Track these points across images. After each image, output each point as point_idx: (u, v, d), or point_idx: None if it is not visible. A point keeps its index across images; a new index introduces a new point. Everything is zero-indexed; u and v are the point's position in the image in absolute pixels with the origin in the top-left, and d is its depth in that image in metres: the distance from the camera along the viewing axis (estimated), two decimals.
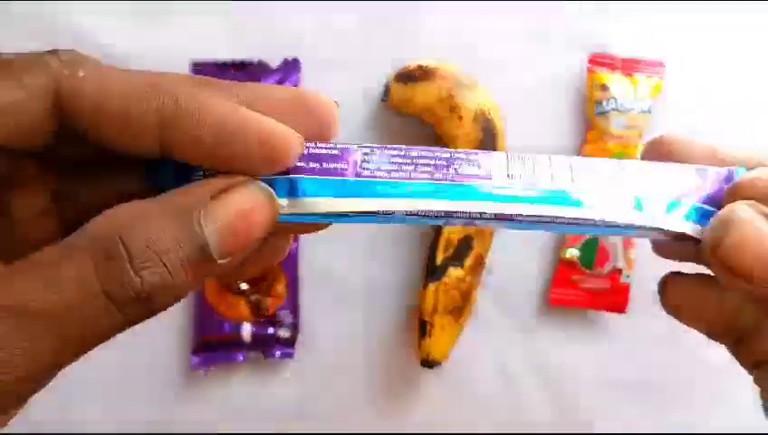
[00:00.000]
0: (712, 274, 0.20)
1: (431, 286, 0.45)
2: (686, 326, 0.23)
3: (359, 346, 0.49)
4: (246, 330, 0.47)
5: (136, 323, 0.17)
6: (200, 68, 0.46)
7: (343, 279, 0.49)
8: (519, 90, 0.48)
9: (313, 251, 0.48)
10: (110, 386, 0.48)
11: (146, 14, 0.46)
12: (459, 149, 0.21)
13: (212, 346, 0.47)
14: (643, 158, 0.23)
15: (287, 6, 0.48)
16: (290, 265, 0.48)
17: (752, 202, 0.18)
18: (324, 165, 0.20)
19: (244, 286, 0.47)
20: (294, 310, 0.48)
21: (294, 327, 0.48)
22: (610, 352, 0.50)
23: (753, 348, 0.21)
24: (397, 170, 0.20)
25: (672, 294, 0.22)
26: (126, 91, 0.17)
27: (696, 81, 0.49)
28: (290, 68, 0.47)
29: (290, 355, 0.48)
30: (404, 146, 0.21)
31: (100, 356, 0.49)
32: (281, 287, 0.48)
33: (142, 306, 0.16)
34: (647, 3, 0.49)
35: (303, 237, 0.48)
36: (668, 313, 0.22)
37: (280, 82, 0.47)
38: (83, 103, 0.17)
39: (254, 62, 0.47)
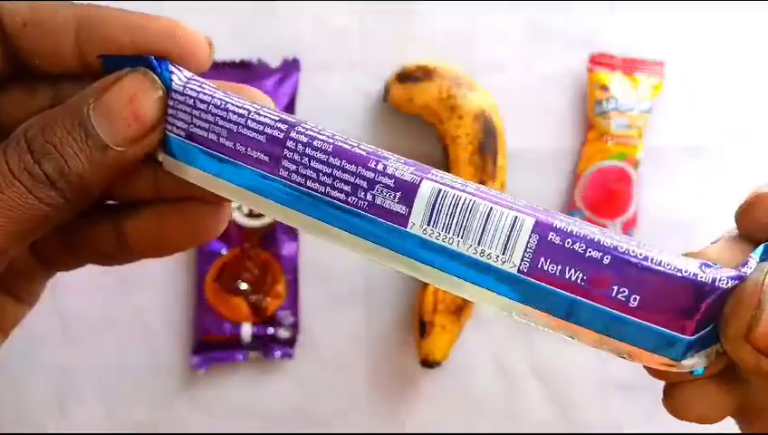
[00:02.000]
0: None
1: (431, 286, 0.45)
2: None
3: (359, 346, 0.49)
4: (246, 330, 0.47)
5: (57, 207, 0.19)
6: None
7: (343, 279, 0.49)
8: (519, 90, 0.48)
9: (313, 251, 0.48)
10: (110, 386, 0.48)
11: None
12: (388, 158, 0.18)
13: (212, 346, 0.47)
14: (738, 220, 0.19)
15: (287, 6, 0.48)
16: (290, 266, 0.48)
17: None
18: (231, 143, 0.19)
19: (244, 286, 0.47)
20: (294, 310, 0.48)
21: (294, 327, 0.48)
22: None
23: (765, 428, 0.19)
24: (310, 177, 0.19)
25: (680, 400, 0.19)
26: (49, 5, 0.20)
27: (695, 81, 0.49)
28: (290, 68, 0.47)
29: (290, 355, 0.48)
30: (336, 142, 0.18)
31: (100, 356, 0.50)
32: (281, 287, 0.48)
33: (50, 190, 0.19)
34: (647, 2, 0.49)
35: (304, 238, 0.48)
36: (678, 418, 0.20)
37: (280, 82, 0.47)
38: (13, 21, 0.19)
39: (254, 62, 0.47)
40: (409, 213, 0.17)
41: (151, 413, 0.48)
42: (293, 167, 0.19)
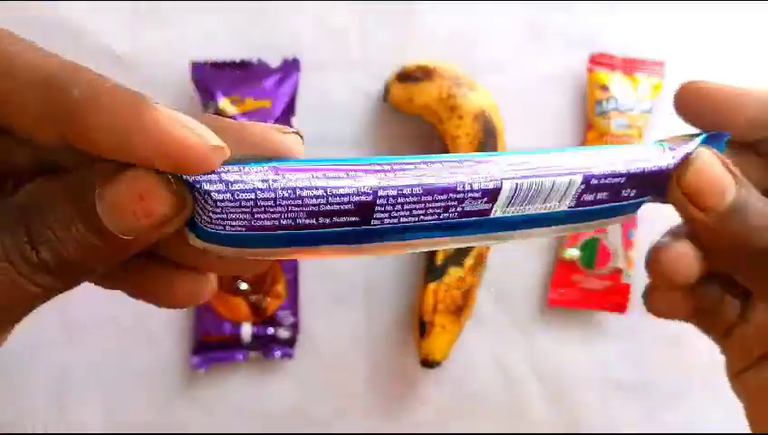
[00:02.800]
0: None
1: (431, 286, 0.45)
2: (683, 326, 0.27)
3: (359, 346, 0.49)
4: (246, 330, 0.47)
5: (58, 291, 0.18)
6: (200, 68, 0.46)
7: (343, 279, 0.49)
8: (519, 90, 0.48)
9: None
10: (110, 386, 0.48)
11: (146, 14, 0.46)
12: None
13: (212, 346, 0.47)
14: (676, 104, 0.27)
15: (287, 6, 0.48)
16: (290, 266, 0.48)
17: (707, 147, 0.23)
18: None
19: (244, 286, 0.47)
20: (294, 310, 0.48)
21: (294, 327, 0.48)
22: (610, 352, 0.50)
23: (718, 321, 0.26)
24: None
25: (658, 305, 0.26)
26: (28, 79, 0.17)
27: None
28: (290, 68, 0.47)
29: (290, 355, 0.48)
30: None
31: (100, 356, 0.50)
32: (281, 287, 0.48)
33: (51, 277, 0.18)
34: (647, 2, 0.49)
35: None
36: (653, 315, 0.26)
37: (280, 82, 0.47)
38: None
39: (254, 63, 0.47)
40: (493, 206, 0.20)
41: (151, 413, 0.48)
42: (385, 216, 0.19)
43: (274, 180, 0.18)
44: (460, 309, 0.46)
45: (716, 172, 0.22)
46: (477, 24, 0.48)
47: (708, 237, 0.23)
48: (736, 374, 0.25)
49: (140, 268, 0.22)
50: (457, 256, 0.45)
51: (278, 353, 0.47)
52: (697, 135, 0.24)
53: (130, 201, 0.17)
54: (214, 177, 0.18)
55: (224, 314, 0.47)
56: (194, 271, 0.21)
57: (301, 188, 0.18)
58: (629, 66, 0.48)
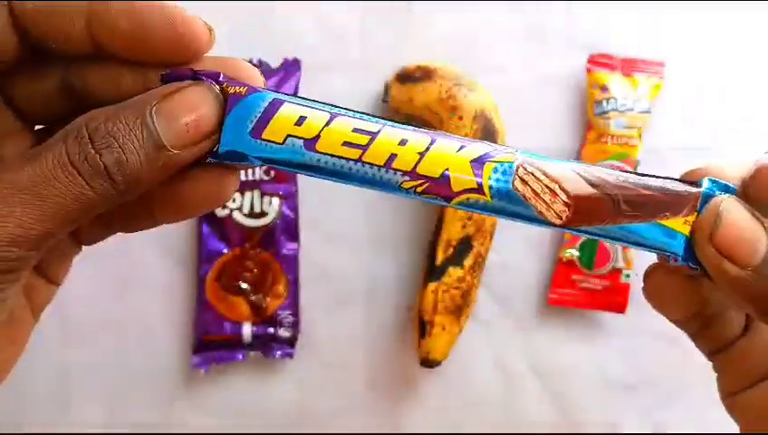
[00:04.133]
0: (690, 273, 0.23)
1: (431, 286, 0.45)
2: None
3: (359, 346, 0.49)
4: (246, 330, 0.47)
5: (108, 198, 0.20)
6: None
7: (343, 279, 0.49)
8: (519, 90, 0.48)
9: (313, 251, 0.48)
10: (111, 386, 0.48)
11: None
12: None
13: (212, 346, 0.47)
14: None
15: (287, 6, 0.48)
16: (290, 265, 0.48)
17: (732, 197, 0.21)
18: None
19: (244, 286, 0.47)
20: (294, 310, 0.48)
21: (294, 327, 0.48)
22: (610, 352, 0.50)
23: (713, 336, 0.25)
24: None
25: (654, 284, 0.25)
26: None
27: (695, 81, 0.50)
28: (290, 68, 0.47)
29: (290, 355, 0.48)
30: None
31: (100, 356, 0.50)
32: (281, 287, 0.48)
33: (105, 181, 0.19)
34: (647, 2, 0.49)
35: (304, 237, 0.48)
36: (648, 301, 0.25)
37: (280, 82, 0.47)
38: (27, 8, 0.20)
39: (254, 63, 0.47)
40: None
41: (151, 413, 0.48)
42: None
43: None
44: (460, 309, 0.46)
45: (749, 225, 0.21)
46: (477, 24, 0.48)
47: (741, 291, 0.21)
48: (731, 394, 0.25)
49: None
50: (457, 256, 0.45)
51: (278, 353, 0.47)
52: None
53: (183, 112, 0.20)
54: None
55: (224, 314, 0.47)
56: (217, 171, 0.23)
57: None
58: (629, 66, 0.48)
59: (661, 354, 0.50)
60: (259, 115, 0.21)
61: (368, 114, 0.21)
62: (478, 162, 0.21)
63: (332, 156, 0.21)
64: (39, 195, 0.19)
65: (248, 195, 0.47)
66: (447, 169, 0.21)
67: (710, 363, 0.27)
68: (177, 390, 0.48)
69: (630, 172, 0.22)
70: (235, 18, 0.47)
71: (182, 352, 0.48)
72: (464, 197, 0.21)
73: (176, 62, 0.21)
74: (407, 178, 0.21)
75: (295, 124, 0.21)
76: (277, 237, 0.47)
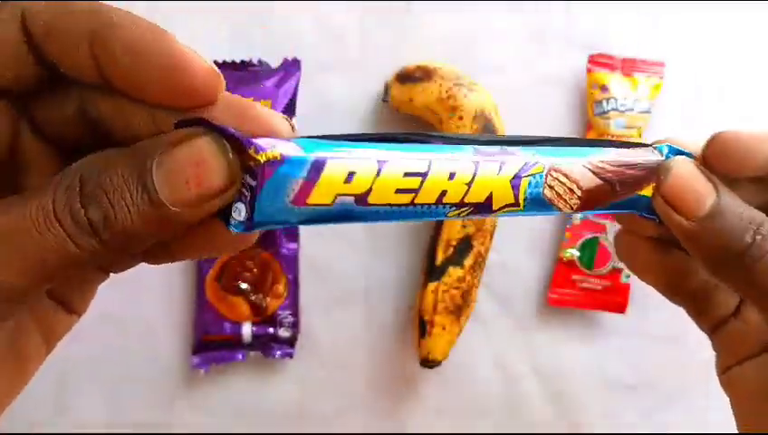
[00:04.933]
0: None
1: (431, 286, 0.45)
2: (683, 326, 0.27)
3: (359, 346, 0.49)
4: (246, 330, 0.47)
5: (95, 254, 0.18)
6: None
7: (343, 279, 0.49)
8: (519, 90, 0.48)
9: (313, 251, 0.48)
10: (111, 386, 0.48)
11: (145, 15, 0.46)
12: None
13: (212, 346, 0.47)
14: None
15: (287, 6, 0.48)
16: (290, 265, 0.48)
17: (684, 157, 0.24)
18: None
19: (244, 286, 0.47)
20: (294, 310, 0.48)
21: (294, 327, 0.48)
22: (610, 352, 0.50)
23: (709, 313, 0.26)
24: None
25: (622, 247, 0.26)
26: (68, 10, 0.19)
27: (695, 81, 0.50)
28: (290, 68, 0.47)
29: (290, 355, 0.48)
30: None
31: (100, 355, 0.50)
32: (281, 287, 0.48)
33: (91, 238, 0.18)
34: (647, 2, 0.49)
35: (304, 237, 0.48)
36: (623, 264, 0.27)
37: (280, 82, 0.47)
38: (37, 24, 0.18)
39: (254, 62, 0.47)
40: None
41: (151, 413, 0.48)
42: None
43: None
44: (460, 309, 0.46)
45: (695, 179, 0.23)
46: (477, 24, 0.48)
47: (691, 244, 0.23)
48: (725, 370, 0.25)
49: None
50: (457, 256, 0.45)
51: (278, 353, 0.47)
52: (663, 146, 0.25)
53: (186, 166, 0.18)
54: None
55: (224, 314, 0.47)
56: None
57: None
58: (629, 66, 0.48)
59: (661, 354, 0.50)
60: (301, 183, 0.18)
61: (413, 140, 0.20)
62: (516, 179, 0.21)
63: (385, 205, 0.19)
64: (17, 245, 0.17)
65: None
66: (491, 193, 0.21)
67: (710, 364, 0.27)
68: (177, 390, 0.48)
69: (621, 145, 0.24)
70: (234, 18, 0.47)
71: (182, 352, 0.48)
72: (502, 211, 0.21)
73: (182, 107, 0.19)
74: (454, 208, 0.20)
75: (344, 182, 0.19)
76: (277, 237, 0.47)
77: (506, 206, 0.21)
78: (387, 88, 0.46)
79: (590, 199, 0.23)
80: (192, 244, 0.21)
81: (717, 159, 0.24)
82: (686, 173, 0.23)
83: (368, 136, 0.20)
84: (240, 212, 0.19)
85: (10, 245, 0.17)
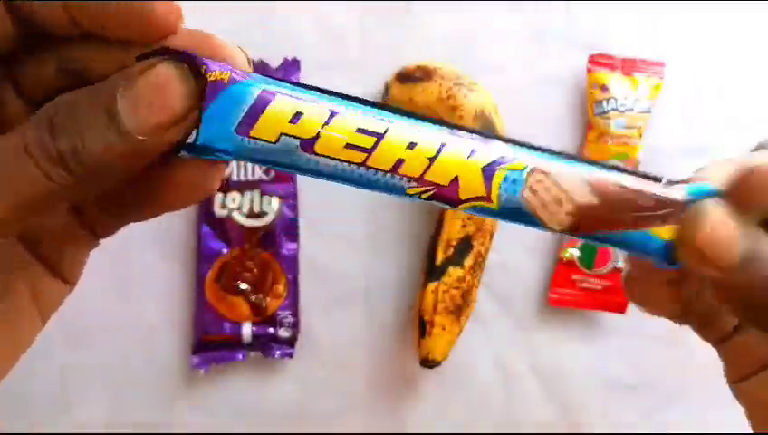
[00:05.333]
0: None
1: (431, 286, 0.45)
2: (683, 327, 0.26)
3: (359, 346, 0.49)
4: (246, 330, 0.47)
5: (67, 188, 0.19)
6: None
7: (343, 279, 0.49)
8: (519, 90, 0.48)
9: (313, 251, 0.48)
10: (111, 386, 0.48)
11: None
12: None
13: (212, 346, 0.47)
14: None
15: (287, 6, 0.48)
16: (290, 266, 0.48)
17: (711, 201, 0.21)
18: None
19: (244, 286, 0.47)
20: (294, 310, 0.48)
21: (294, 327, 0.48)
22: (610, 352, 0.50)
23: (715, 328, 0.25)
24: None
25: (635, 291, 0.25)
26: None
27: (695, 81, 0.50)
28: (289, 68, 0.47)
29: (290, 355, 0.48)
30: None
31: (100, 356, 0.50)
32: (281, 287, 0.48)
33: (61, 169, 0.18)
34: (647, 2, 0.49)
35: (304, 237, 0.48)
36: (635, 305, 0.25)
37: None
38: None
39: (254, 63, 0.47)
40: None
41: (151, 413, 0.48)
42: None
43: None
44: (460, 309, 0.46)
45: (728, 224, 0.21)
46: (477, 24, 0.48)
47: (724, 294, 0.22)
48: (735, 381, 0.25)
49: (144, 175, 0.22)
50: (457, 256, 0.45)
51: (278, 353, 0.47)
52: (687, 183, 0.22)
53: (148, 92, 0.18)
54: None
55: (224, 314, 0.47)
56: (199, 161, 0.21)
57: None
58: (629, 66, 0.48)
59: (661, 354, 0.50)
60: (246, 109, 0.19)
61: (372, 105, 0.20)
62: (490, 168, 0.19)
63: (333, 159, 0.19)
64: None
65: (248, 195, 0.47)
66: (457, 176, 0.19)
67: (710, 364, 0.27)
68: (177, 390, 0.48)
69: (630, 173, 0.21)
70: (234, 18, 0.47)
71: (182, 352, 0.48)
72: (471, 204, 0.19)
73: (145, 40, 0.20)
74: (413, 184, 0.19)
75: (290, 121, 0.19)
76: (277, 237, 0.47)
77: (476, 199, 0.19)
78: (387, 88, 0.46)
79: (586, 220, 0.20)
80: (159, 191, 0.21)
81: (752, 196, 0.22)
82: (719, 219, 0.21)
83: (332, 91, 0.20)
84: (192, 137, 0.19)
85: None
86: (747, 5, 0.49)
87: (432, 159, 0.19)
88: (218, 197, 0.47)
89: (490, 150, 0.19)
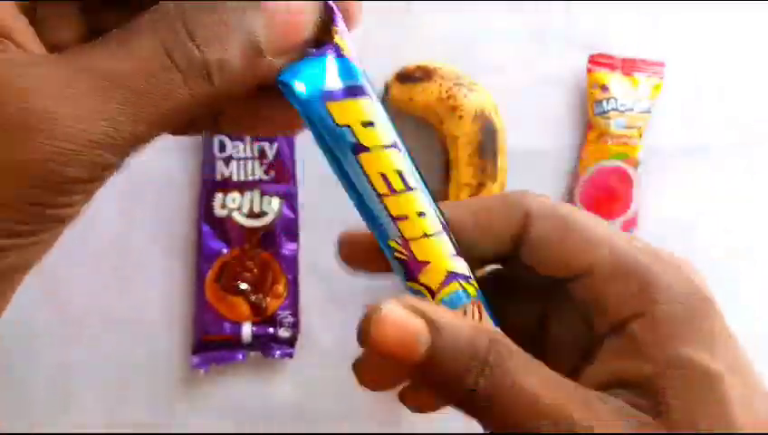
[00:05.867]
0: None
1: None
2: None
3: (359, 346, 0.49)
4: (246, 330, 0.47)
5: (201, 102, 0.18)
6: None
7: (343, 279, 0.49)
8: (519, 90, 0.48)
9: (313, 251, 0.48)
10: (111, 386, 0.48)
11: None
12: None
13: (212, 346, 0.47)
14: None
15: None
16: (290, 266, 0.48)
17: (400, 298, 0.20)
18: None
19: (244, 286, 0.47)
20: (294, 310, 0.48)
21: (294, 327, 0.48)
22: None
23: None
24: None
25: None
26: None
27: (696, 81, 0.50)
28: None
29: (290, 355, 0.48)
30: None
31: (100, 356, 0.50)
32: (281, 287, 0.48)
33: (204, 81, 0.17)
34: (647, 3, 0.49)
35: (304, 237, 0.48)
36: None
37: None
38: None
39: None
40: None
41: (151, 413, 0.48)
42: None
43: None
44: None
45: (404, 321, 0.20)
46: (477, 24, 0.48)
47: (424, 382, 0.21)
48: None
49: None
50: None
51: (278, 353, 0.47)
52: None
53: (286, 18, 0.18)
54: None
55: (224, 314, 0.47)
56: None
57: None
58: (629, 66, 0.48)
59: None
60: (343, 85, 0.19)
61: (418, 169, 0.21)
62: (454, 276, 0.21)
63: (364, 174, 0.20)
64: (135, 90, 0.17)
65: (248, 195, 0.47)
66: (430, 262, 0.21)
67: None
68: (177, 390, 0.48)
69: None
70: None
71: (182, 352, 0.48)
72: (420, 287, 0.21)
73: None
74: (399, 241, 0.21)
75: (362, 123, 0.20)
76: (277, 237, 0.47)
77: (427, 288, 0.21)
78: (387, 88, 0.46)
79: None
80: (253, 115, 0.21)
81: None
82: (390, 318, 0.20)
83: (401, 134, 0.21)
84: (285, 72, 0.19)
85: (130, 91, 0.17)
86: (747, 6, 0.49)
87: (426, 236, 0.21)
88: (218, 197, 0.47)
89: (462, 264, 0.21)
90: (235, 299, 0.47)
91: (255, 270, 0.47)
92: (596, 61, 0.48)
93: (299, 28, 0.19)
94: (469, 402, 0.20)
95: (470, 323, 0.20)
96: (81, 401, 0.48)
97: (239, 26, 0.17)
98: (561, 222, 0.21)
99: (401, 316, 0.19)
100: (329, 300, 0.49)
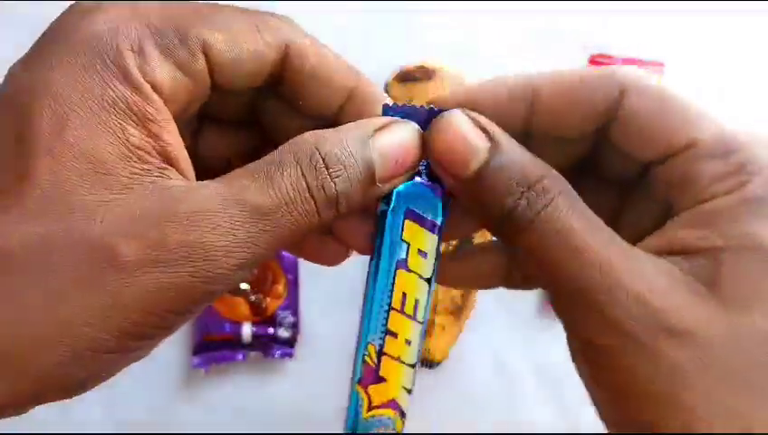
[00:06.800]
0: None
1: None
2: None
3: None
4: (246, 330, 0.47)
5: (321, 227, 0.20)
6: None
7: (343, 279, 0.49)
8: None
9: None
10: (111, 386, 0.48)
11: None
12: None
13: (212, 346, 0.47)
14: None
15: (287, 6, 0.47)
16: (290, 266, 0.48)
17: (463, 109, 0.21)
18: None
19: (244, 286, 0.47)
20: (294, 310, 0.48)
21: (294, 327, 0.48)
22: None
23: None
24: None
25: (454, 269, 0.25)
26: (333, 65, 0.24)
27: (696, 81, 0.49)
28: None
29: (290, 355, 0.48)
30: None
31: None
32: (281, 287, 0.48)
33: (331, 209, 0.19)
34: (647, 3, 0.49)
35: None
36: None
37: None
38: (303, 63, 0.23)
39: None
40: None
41: (151, 413, 0.48)
42: None
43: None
44: (460, 309, 0.46)
45: (466, 133, 0.20)
46: (477, 24, 0.48)
47: (462, 198, 0.21)
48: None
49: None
50: None
51: (278, 353, 0.47)
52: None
53: (398, 148, 0.20)
54: None
55: (224, 314, 0.47)
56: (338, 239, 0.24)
57: None
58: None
59: None
60: (426, 215, 0.22)
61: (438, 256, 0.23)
62: (393, 404, 0.25)
63: (392, 284, 0.23)
64: (277, 222, 0.19)
65: None
66: (385, 381, 0.25)
67: None
68: (177, 390, 0.48)
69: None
70: None
71: (182, 352, 0.48)
72: (363, 395, 0.26)
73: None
74: (376, 348, 0.25)
75: (418, 250, 0.22)
76: None
77: (367, 402, 0.25)
78: (387, 88, 0.46)
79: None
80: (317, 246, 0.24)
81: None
82: (454, 127, 0.20)
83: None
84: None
85: (272, 223, 0.19)
86: (747, 6, 0.49)
87: (399, 360, 0.25)
88: None
89: (407, 402, 0.25)
90: (235, 299, 0.47)
91: (255, 270, 0.47)
92: (596, 61, 0.48)
93: (407, 160, 0.20)
94: (508, 223, 0.20)
95: (529, 153, 0.20)
96: (81, 401, 0.47)
97: (361, 155, 0.20)
98: (659, 96, 0.21)
99: (467, 126, 0.20)
100: (329, 300, 0.49)
